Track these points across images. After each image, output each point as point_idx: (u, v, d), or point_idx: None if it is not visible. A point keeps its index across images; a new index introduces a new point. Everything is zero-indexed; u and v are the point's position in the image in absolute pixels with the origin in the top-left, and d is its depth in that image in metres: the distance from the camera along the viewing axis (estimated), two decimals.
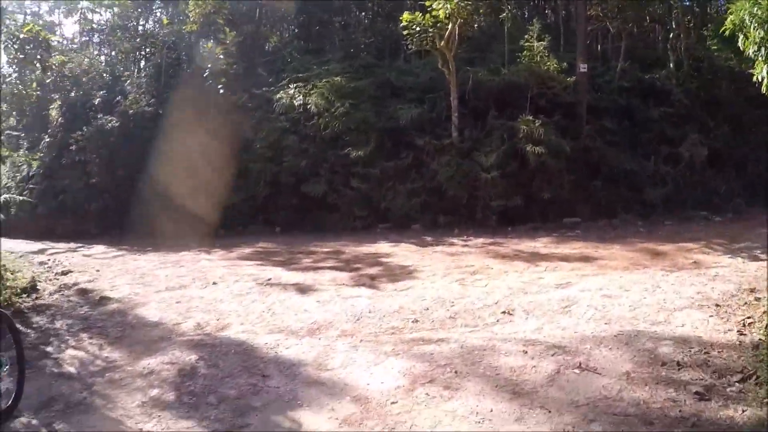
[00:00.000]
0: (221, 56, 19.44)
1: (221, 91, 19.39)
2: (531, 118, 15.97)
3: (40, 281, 10.85)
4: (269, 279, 9.88)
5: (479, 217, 15.77)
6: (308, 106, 17.97)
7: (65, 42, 27.99)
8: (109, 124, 20.21)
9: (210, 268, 11.32)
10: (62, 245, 19.00)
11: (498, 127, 16.71)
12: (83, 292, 9.79)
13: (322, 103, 17.72)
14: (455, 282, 9.14)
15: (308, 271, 10.65)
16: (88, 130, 20.59)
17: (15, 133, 24.80)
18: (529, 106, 16.79)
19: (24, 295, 9.22)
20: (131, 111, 20.10)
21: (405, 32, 16.76)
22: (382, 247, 13.70)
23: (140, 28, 23.79)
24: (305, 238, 15.88)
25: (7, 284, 9.42)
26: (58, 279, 11.32)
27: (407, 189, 16.62)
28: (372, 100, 18.52)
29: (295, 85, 18.84)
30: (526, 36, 17.60)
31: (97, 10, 27.15)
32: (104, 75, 23.37)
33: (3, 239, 24.62)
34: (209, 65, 19.82)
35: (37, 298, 9.36)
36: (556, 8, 24.37)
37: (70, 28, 32.64)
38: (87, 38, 27.87)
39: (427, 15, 16.22)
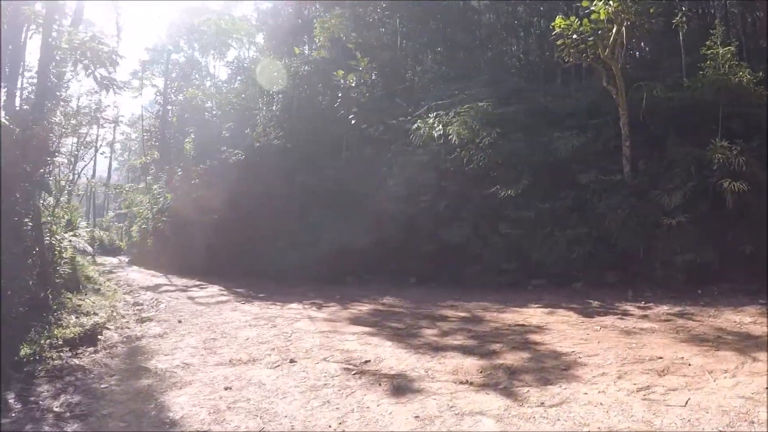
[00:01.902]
0: (353, 84, 17.99)
1: (353, 121, 17.80)
2: (726, 143, 12.44)
3: (109, 329, 9.96)
4: (366, 362, 7.34)
5: (659, 274, 12.37)
6: (449, 137, 15.57)
7: (218, 81, 28.72)
8: (233, 158, 19.17)
9: (304, 334, 9.26)
10: (182, 281, 18.56)
11: (681, 157, 13.32)
12: (133, 354, 8.32)
13: (465, 132, 15.24)
14: (636, 393, 5.95)
15: (425, 351, 7.85)
16: (211, 164, 19.97)
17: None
18: (720, 128, 13.12)
19: (66, 348, 8.11)
20: (257, 144, 18.96)
21: (559, 42, 13.94)
22: (533, 314, 10.69)
23: (278, 62, 23.51)
24: (440, 295, 13.37)
25: (55, 332, 8.45)
26: (129, 328, 10.30)
27: (567, 237, 13.48)
28: (524, 128, 15.74)
29: (435, 113, 16.55)
30: (707, 42, 14.01)
31: (234, 46, 27.81)
32: (239, 109, 23.37)
33: (135, 268, 25.84)
34: (340, 94, 18.41)
35: (77, 354, 8.06)
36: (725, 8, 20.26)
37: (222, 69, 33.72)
38: (237, 77, 28.36)
39: (585, 20, 13.42)
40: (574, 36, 13.75)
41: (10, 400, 6.11)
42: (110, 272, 22.26)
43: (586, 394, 6.04)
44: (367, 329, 9.58)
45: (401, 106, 17.73)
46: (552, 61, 16.52)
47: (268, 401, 6.07)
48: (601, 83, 14.42)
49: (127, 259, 28.83)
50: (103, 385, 6.75)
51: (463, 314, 10.89)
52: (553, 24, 14.13)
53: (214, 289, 16.39)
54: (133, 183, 35.68)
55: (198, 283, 17.94)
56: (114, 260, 30.49)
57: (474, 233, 14.70)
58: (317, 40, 19.10)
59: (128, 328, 10.34)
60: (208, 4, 27.53)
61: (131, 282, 18.69)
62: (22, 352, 7.51)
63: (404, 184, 16.10)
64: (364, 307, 12.18)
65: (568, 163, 14.44)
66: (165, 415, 5.81)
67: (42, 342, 7.97)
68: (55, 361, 7.52)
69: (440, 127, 15.85)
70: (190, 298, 14.56)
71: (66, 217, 13.40)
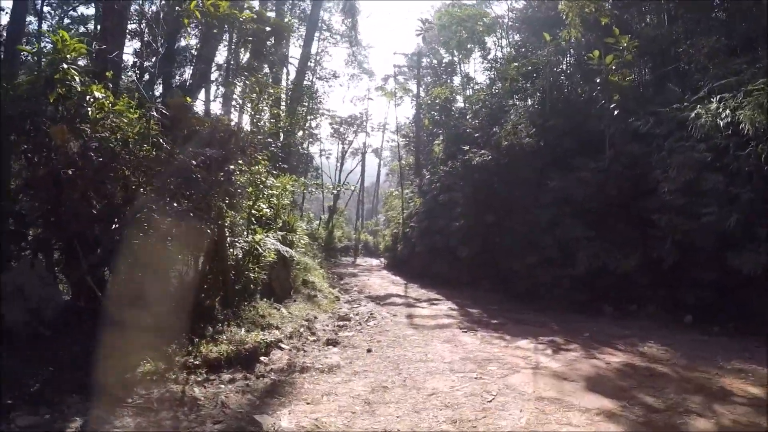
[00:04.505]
0: (613, 67, 14.45)
1: (615, 113, 14.43)
2: None
3: (282, 348, 8.41)
4: None
5: None
6: (740, 126, 11.12)
7: (473, 83, 27.11)
8: (477, 158, 16.93)
9: (512, 400, 6.39)
10: (417, 293, 17.24)
11: None
12: (272, 393, 6.50)
13: (761, 117, 10.74)
14: None
15: None
16: (454, 166, 18.07)
17: None
18: None
19: (202, 371, 6.62)
20: (505, 143, 16.53)
21: None
22: None
23: (531, 55, 20.78)
24: (723, 347, 9.36)
25: (201, 349, 7.01)
26: (304, 351, 8.60)
27: None
28: None
29: (718, 96, 12.22)
30: None
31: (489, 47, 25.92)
32: (489, 107, 21.21)
33: (383, 273, 24.85)
34: (598, 81, 15.31)
35: (208, 380, 6.51)
36: None
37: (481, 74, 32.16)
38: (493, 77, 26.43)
39: None
40: None
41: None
42: (354, 276, 21.86)
43: None
44: (606, 404, 6.29)
45: (673, 91, 13.61)
46: None
47: None
48: None
49: (385, 262, 28.57)
50: None
51: (755, 391, 6.90)
52: None
53: (444, 306, 14.39)
54: (396, 188, 35.79)
55: (433, 296, 16.19)
56: (374, 262, 30.61)
57: None
58: (565, 18, 15.88)
59: (304, 350, 8.74)
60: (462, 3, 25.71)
61: (364, 288, 17.75)
62: (142, 369, 6.27)
63: (681, 190, 12.17)
64: (615, 358, 8.67)
65: None
66: None
67: (175, 359, 6.65)
68: (174, 386, 6.10)
69: (727, 112, 11.55)
70: (409, 316, 12.74)
71: (281, 218, 12.55)
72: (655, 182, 13.00)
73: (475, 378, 7.39)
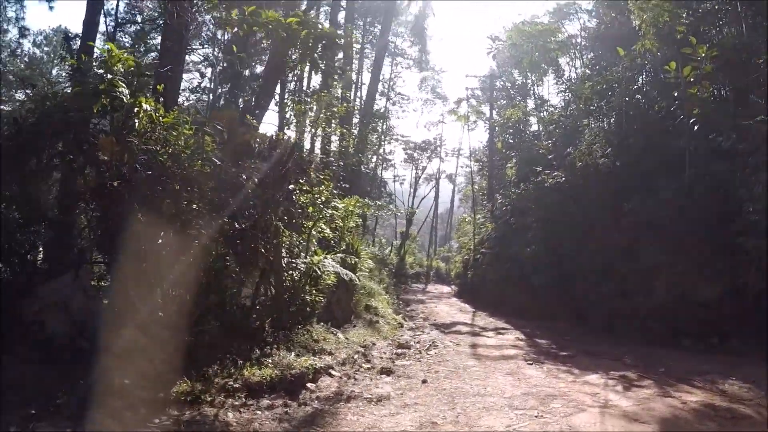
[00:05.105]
0: (692, 80, 13.47)
1: (695, 128, 13.44)
2: None
3: (332, 375, 8.12)
4: None
5: None
6: None
7: (547, 104, 26.41)
8: (550, 180, 16.26)
9: None
10: (484, 321, 16.64)
11: None
12: (310, 423, 6.17)
13: None
14: None
15: None
16: (526, 189, 17.41)
17: None
18: None
19: (241, 395, 6.43)
20: (579, 164, 15.84)
21: None
22: None
23: (605, 72, 19.82)
24: None
25: (244, 372, 6.81)
26: (355, 379, 8.21)
27: None
28: None
29: None
30: None
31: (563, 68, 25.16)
32: (563, 127, 20.45)
33: (453, 300, 24.31)
34: (676, 94, 14.23)
35: (245, 404, 6.25)
36: None
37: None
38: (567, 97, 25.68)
39: None
40: None
41: None
42: (422, 302, 21.42)
43: None
44: None
45: (756, 103, 12.53)
46: None
47: None
48: None
49: (455, 290, 27.96)
50: None
51: None
52: None
53: (511, 336, 13.68)
54: (469, 213, 35.23)
55: (501, 326, 15.50)
56: (445, 289, 30.00)
57: None
58: (639, 29, 15.04)
59: (355, 378, 8.34)
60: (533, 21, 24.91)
61: (430, 316, 17.29)
62: (176, 389, 6.13)
63: (766, 210, 11.24)
64: (692, 397, 7.74)
65: None
66: None
67: (214, 380, 6.49)
68: (208, 408, 5.95)
69: None
70: (473, 346, 12.13)
71: (345, 241, 12.41)
72: (740, 202, 11.97)
73: (536, 416, 6.73)
